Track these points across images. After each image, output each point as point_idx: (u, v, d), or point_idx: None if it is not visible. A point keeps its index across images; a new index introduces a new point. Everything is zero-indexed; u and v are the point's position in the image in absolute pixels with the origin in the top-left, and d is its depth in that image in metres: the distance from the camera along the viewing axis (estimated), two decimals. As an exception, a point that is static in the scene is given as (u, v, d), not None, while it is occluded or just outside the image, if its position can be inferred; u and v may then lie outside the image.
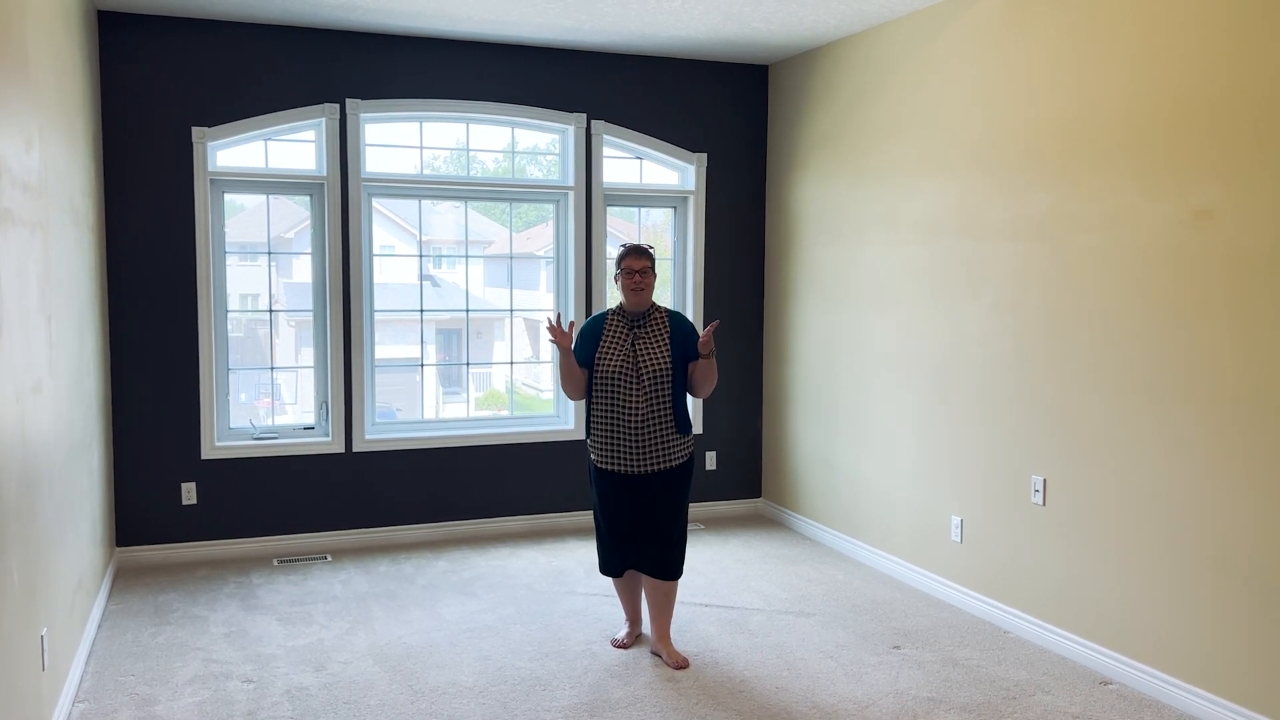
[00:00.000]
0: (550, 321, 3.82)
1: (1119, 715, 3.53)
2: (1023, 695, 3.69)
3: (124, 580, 4.94)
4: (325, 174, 5.38)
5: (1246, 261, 3.31)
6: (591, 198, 5.86)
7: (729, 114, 6.12)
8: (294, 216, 5.60)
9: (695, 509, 6.20)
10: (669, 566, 3.94)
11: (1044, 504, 4.14)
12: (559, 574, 5.05)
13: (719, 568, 5.19)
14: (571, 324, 3.99)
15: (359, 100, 5.38)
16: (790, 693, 3.69)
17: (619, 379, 3.85)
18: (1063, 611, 4.06)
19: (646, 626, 4.29)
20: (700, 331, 3.97)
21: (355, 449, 5.52)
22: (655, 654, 4.04)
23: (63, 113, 3.81)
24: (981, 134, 4.45)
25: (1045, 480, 4.13)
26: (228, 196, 5.36)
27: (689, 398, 3.97)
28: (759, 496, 6.38)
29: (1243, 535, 3.35)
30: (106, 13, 4.96)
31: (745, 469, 6.34)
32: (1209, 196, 3.43)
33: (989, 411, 4.44)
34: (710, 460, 6.24)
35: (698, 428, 6.18)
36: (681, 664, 3.93)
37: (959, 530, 4.63)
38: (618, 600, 4.46)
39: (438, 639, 4.19)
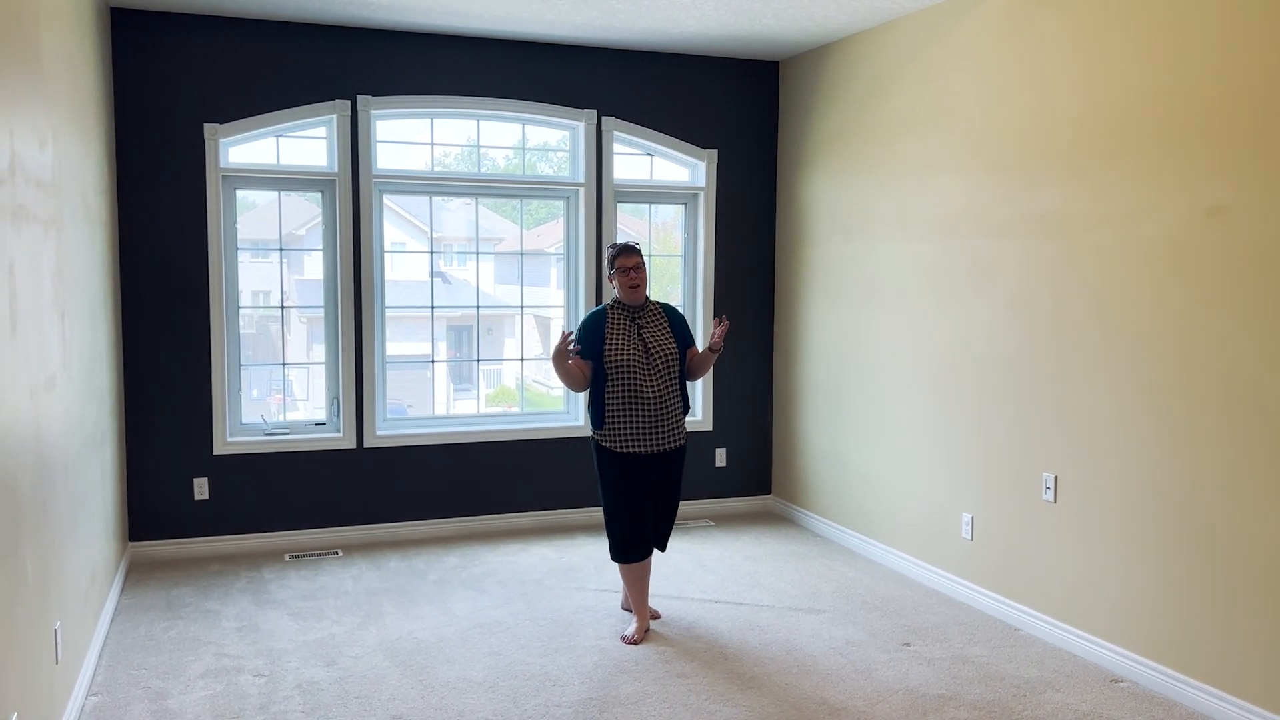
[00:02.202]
0: (566, 336, 4.00)
1: (1130, 713, 3.52)
2: (1033, 693, 3.68)
3: (136, 575, 4.97)
4: (336, 171, 5.40)
5: (1259, 258, 3.29)
6: (602, 194, 5.87)
7: (739, 111, 6.11)
8: (305, 213, 5.62)
9: (705, 505, 6.21)
10: (667, 540, 4.35)
11: (1055, 501, 4.13)
12: (569, 570, 5.06)
13: (729, 565, 5.19)
14: (577, 347, 4.08)
15: (370, 97, 5.39)
16: (800, 689, 3.69)
17: (633, 366, 4.07)
18: (1074, 609, 4.05)
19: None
20: (689, 322, 4.23)
21: (366, 445, 5.54)
22: (627, 610, 4.43)
23: (76, 110, 3.83)
24: (992, 130, 4.44)
25: (1056, 477, 4.12)
26: (239, 193, 5.38)
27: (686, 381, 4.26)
28: (769, 493, 6.38)
29: (1255, 533, 3.33)
30: (119, 10, 4.98)
31: (755, 466, 6.34)
32: (1220, 193, 3.41)
33: (999, 408, 4.43)
34: (720, 457, 6.24)
35: (707, 425, 6.19)
36: (655, 615, 4.38)
37: (969, 527, 4.62)
38: (619, 591, 4.47)
39: (448, 634, 4.20)
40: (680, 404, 4.18)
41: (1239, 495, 3.38)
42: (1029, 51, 4.22)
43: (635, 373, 4.06)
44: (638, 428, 4.07)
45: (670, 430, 4.12)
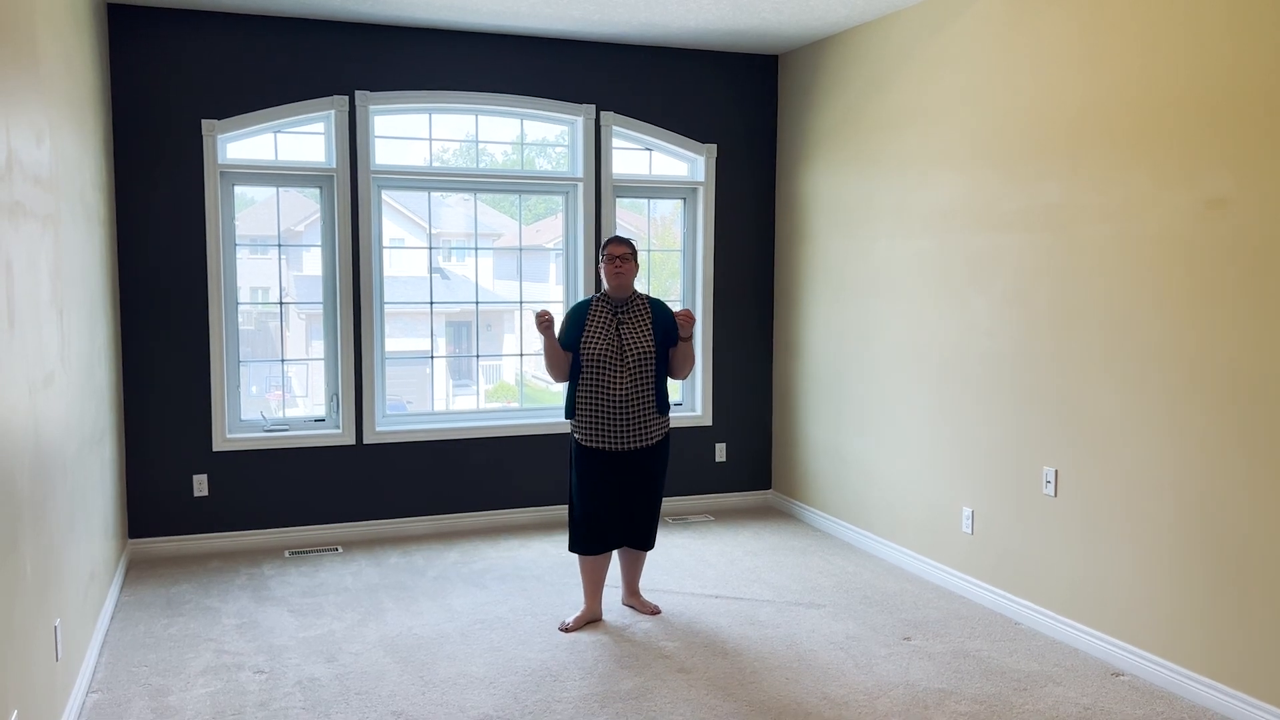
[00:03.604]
0: (542, 314, 4.04)
1: (1130, 706, 3.52)
2: (1034, 686, 3.68)
3: (136, 572, 4.97)
4: (335, 166, 5.39)
5: (1259, 251, 3.28)
6: (601, 189, 5.86)
7: (739, 105, 6.10)
8: (304, 209, 5.61)
9: (705, 500, 6.21)
10: (650, 538, 4.28)
11: (1055, 495, 4.13)
12: (569, 565, 5.06)
13: (729, 559, 5.19)
14: (551, 316, 4.08)
15: (368, 92, 5.38)
16: (800, 684, 3.69)
17: (604, 361, 4.06)
18: (1074, 603, 4.05)
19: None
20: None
21: (366, 441, 5.54)
22: (629, 606, 4.43)
23: (73, 106, 3.82)
24: (992, 124, 4.43)
25: (1056, 471, 4.12)
26: (238, 189, 5.37)
27: (668, 380, 4.30)
28: (769, 488, 6.38)
29: (1256, 527, 3.33)
30: (116, 6, 4.97)
31: (755, 461, 6.34)
32: (1221, 186, 3.40)
33: (999, 403, 4.42)
34: (720, 452, 6.24)
35: (707, 420, 6.18)
36: (654, 610, 4.37)
37: (970, 522, 4.61)
38: (622, 587, 4.46)
39: (448, 630, 4.20)
40: (653, 403, 4.12)
41: (1240, 487, 3.38)
42: (1028, 45, 4.21)
43: (606, 368, 4.05)
44: (604, 424, 4.07)
45: (638, 429, 4.09)
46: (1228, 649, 3.44)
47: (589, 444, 4.10)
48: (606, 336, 4.08)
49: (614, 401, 4.05)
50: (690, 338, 4.14)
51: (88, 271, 4.09)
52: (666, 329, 4.18)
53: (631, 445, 4.09)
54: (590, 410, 4.08)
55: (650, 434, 4.14)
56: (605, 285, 4.18)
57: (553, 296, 6.04)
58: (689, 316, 4.06)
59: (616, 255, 4.12)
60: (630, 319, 4.14)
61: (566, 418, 4.19)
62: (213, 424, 5.28)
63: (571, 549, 4.23)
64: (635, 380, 4.08)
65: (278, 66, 5.25)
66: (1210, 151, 3.44)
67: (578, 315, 4.16)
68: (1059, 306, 4.08)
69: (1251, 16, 3.29)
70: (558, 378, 4.18)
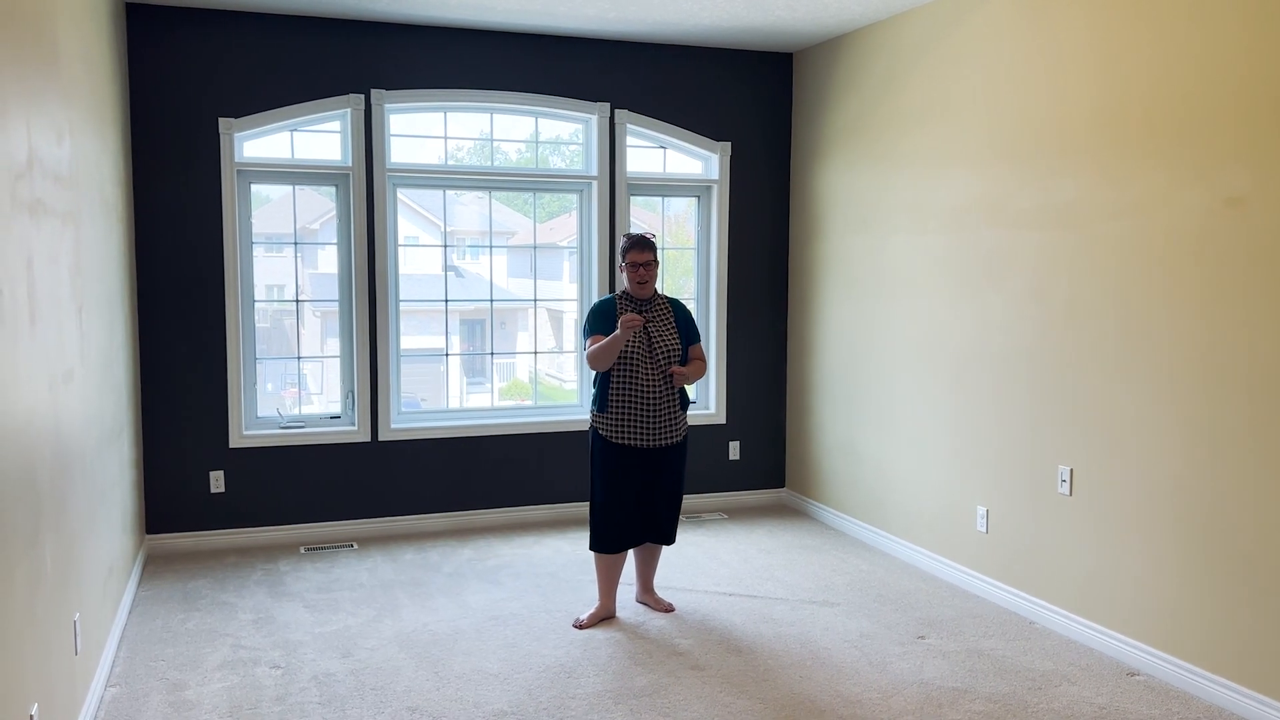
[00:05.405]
0: (634, 318, 3.96)
1: (1146, 706, 3.51)
2: (1048, 686, 3.67)
3: (154, 567, 5.00)
4: (350, 165, 5.41)
5: (1276, 250, 3.26)
6: (615, 187, 5.86)
7: (753, 103, 6.09)
8: (319, 207, 5.63)
9: (718, 498, 6.21)
10: (673, 533, 4.34)
11: (1070, 494, 4.11)
12: (583, 562, 5.07)
13: (742, 558, 5.19)
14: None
15: (384, 90, 5.40)
16: (814, 682, 3.69)
17: (636, 359, 4.10)
18: (1089, 602, 4.04)
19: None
20: (699, 317, 4.21)
21: (381, 438, 5.56)
22: (643, 603, 4.44)
23: (92, 105, 3.85)
24: (1008, 122, 4.41)
25: (1072, 470, 4.10)
26: (254, 187, 5.40)
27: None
28: (783, 486, 6.38)
29: (1272, 526, 3.31)
30: (135, 5, 5.00)
31: (769, 459, 6.33)
32: (1238, 184, 3.38)
33: (1015, 401, 4.41)
34: (733, 450, 6.24)
35: (720, 417, 6.18)
36: (669, 608, 4.38)
37: (984, 520, 4.60)
38: (636, 584, 4.47)
39: (463, 626, 4.21)
40: (676, 401, 4.18)
41: (1258, 488, 3.36)
42: (1043, 42, 4.20)
43: (639, 366, 4.09)
44: (636, 421, 4.09)
45: (667, 426, 4.14)
46: (1243, 648, 3.42)
47: (619, 440, 4.11)
48: (637, 335, 4.11)
49: (648, 399, 4.09)
50: (681, 383, 4.18)
51: (106, 268, 4.12)
52: (686, 329, 4.26)
53: (662, 442, 4.13)
54: (623, 407, 4.10)
55: (677, 430, 4.19)
56: (626, 285, 4.21)
57: (566, 294, 6.05)
58: (682, 375, 4.14)
59: (640, 263, 4.14)
60: (656, 318, 4.19)
61: (598, 410, 4.14)
62: (229, 421, 5.31)
63: (593, 548, 4.22)
64: (665, 377, 4.13)
65: (294, 65, 5.27)
66: (1226, 149, 3.42)
67: (605, 311, 4.16)
68: (1074, 304, 4.07)
69: (1267, 13, 3.27)
70: (605, 367, 4.07)
